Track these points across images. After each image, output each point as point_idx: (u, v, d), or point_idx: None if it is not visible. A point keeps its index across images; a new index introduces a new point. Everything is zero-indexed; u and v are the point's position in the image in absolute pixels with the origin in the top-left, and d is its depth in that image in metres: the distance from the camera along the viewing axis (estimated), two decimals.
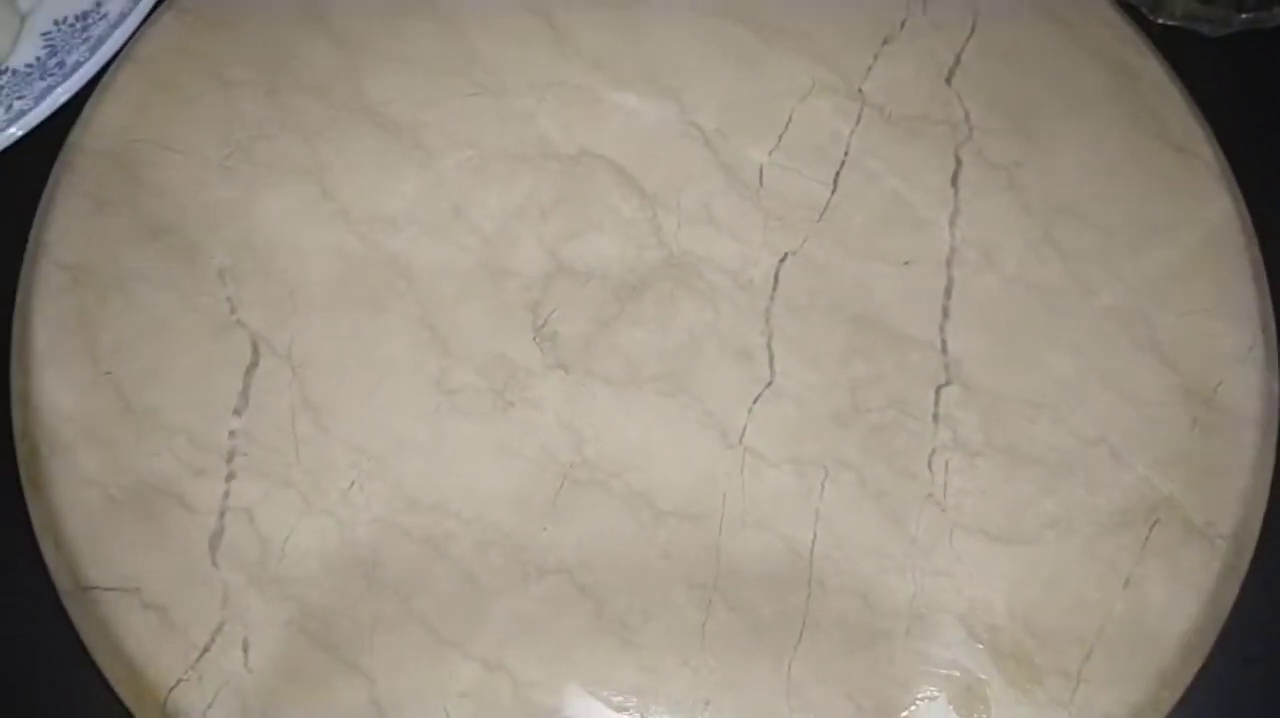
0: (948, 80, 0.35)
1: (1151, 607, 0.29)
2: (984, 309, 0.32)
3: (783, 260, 0.32)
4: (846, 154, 0.34)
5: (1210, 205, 0.34)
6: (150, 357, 0.30)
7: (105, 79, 0.35)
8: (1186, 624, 0.29)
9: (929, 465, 0.30)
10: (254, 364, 0.30)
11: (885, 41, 0.36)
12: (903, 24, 0.36)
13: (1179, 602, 0.29)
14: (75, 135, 0.34)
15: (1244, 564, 0.30)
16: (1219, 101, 0.37)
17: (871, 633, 0.28)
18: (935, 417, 0.30)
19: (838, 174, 0.33)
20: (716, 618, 0.28)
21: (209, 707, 0.26)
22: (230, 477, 0.29)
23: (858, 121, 0.34)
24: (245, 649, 0.27)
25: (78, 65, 0.36)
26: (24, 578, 0.29)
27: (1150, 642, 0.28)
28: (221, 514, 0.28)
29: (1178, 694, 0.28)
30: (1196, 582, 0.29)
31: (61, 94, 0.36)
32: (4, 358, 0.31)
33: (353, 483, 0.29)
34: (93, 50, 0.37)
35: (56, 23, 0.38)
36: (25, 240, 0.33)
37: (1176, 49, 0.38)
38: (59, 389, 0.30)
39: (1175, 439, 0.31)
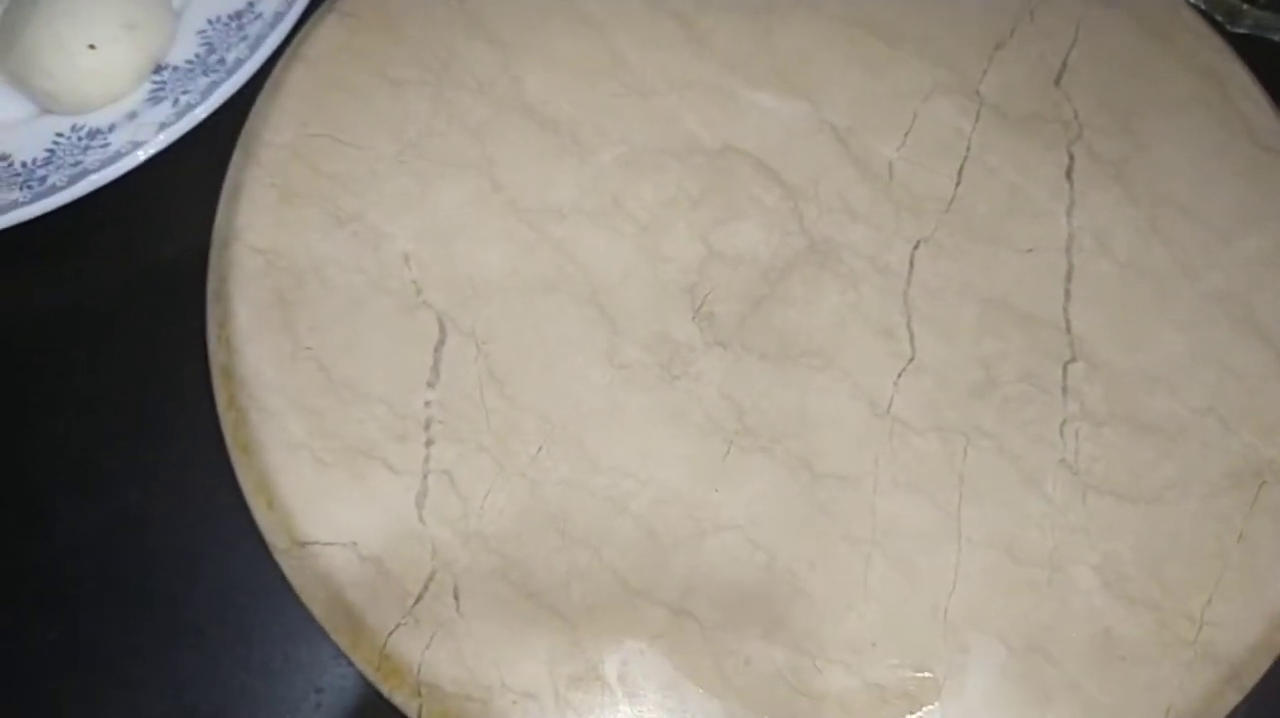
0: (1056, 82, 0.38)
1: (1261, 558, 0.32)
2: (1102, 292, 0.35)
3: (916, 247, 0.35)
4: (968, 150, 0.37)
5: None
6: (346, 334, 0.33)
7: (275, 76, 0.37)
8: None
9: (1060, 433, 0.33)
10: (442, 341, 0.33)
11: (998, 47, 0.39)
12: (1013, 31, 0.39)
13: None
14: (253, 127, 0.36)
15: None
16: None
17: (1016, 582, 0.31)
18: (1064, 389, 0.33)
19: (961, 168, 0.36)
20: (876, 568, 0.31)
21: (426, 648, 0.29)
22: (429, 442, 0.31)
23: (977, 119, 0.37)
24: (456, 597, 0.29)
25: (239, 63, 0.39)
26: (232, 537, 0.32)
27: (1261, 588, 0.31)
28: (424, 476, 0.31)
29: None
30: None
31: (227, 89, 0.38)
32: (198, 335, 0.34)
33: (540, 448, 0.31)
34: (252, 48, 0.39)
35: (210, 21, 0.41)
36: (208, 226, 0.35)
37: (1253, 55, 0.41)
38: (263, 363, 0.32)
39: (1275, 408, 0.34)
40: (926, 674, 0.29)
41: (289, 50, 0.38)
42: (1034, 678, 0.30)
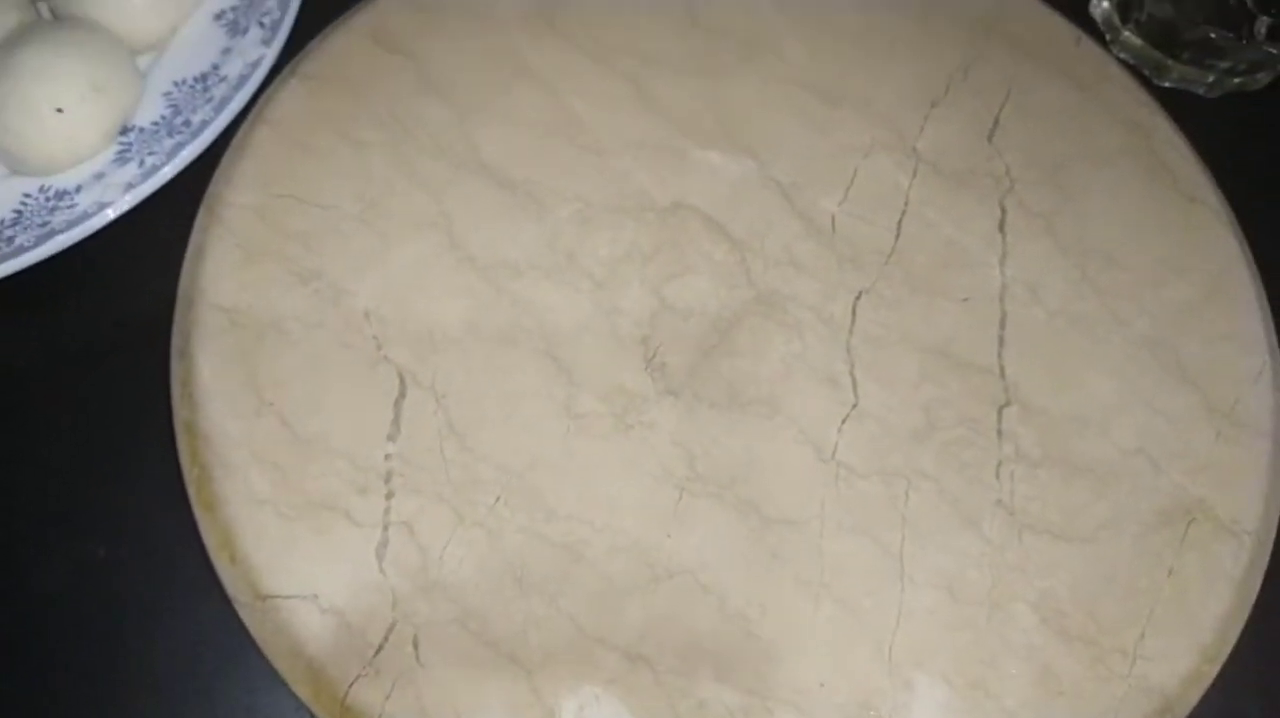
0: (989, 138, 0.40)
1: (1191, 592, 0.33)
2: (1034, 338, 0.37)
3: (858, 298, 0.37)
4: (906, 204, 0.39)
5: (1220, 247, 0.39)
6: (309, 390, 0.33)
7: (239, 139, 0.38)
8: (1221, 607, 0.33)
9: (997, 475, 0.34)
10: (402, 395, 0.34)
11: (933, 104, 0.41)
12: (948, 88, 0.41)
13: (1214, 588, 0.33)
14: (217, 189, 0.37)
15: (1266, 556, 0.34)
16: (1218, 152, 0.42)
17: (958, 620, 0.32)
18: (999, 433, 0.35)
19: (900, 221, 0.38)
20: (824, 610, 0.32)
21: (387, 698, 0.30)
22: (390, 494, 0.32)
23: (914, 175, 0.39)
24: (416, 646, 0.30)
25: (204, 124, 0.40)
26: (192, 591, 0.33)
27: (1191, 622, 0.33)
28: (385, 528, 0.32)
29: (1217, 667, 0.33)
30: (1228, 571, 0.34)
31: (192, 150, 0.39)
32: (161, 392, 0.34)
33: (498, 498, 0.32)
34: (217, 110, 0.40)
35: (176, 83, 0.42)
36: (171, 285, 0.36)
37: (1178, 108, 0.44)
38: (226, 419, 0.33)
39: (1202, 449, 0.35)
40: (872, 713, 0.31)
41: (253, 112, 0.39)
42: (976, 714, 0.31)
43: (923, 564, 0.33)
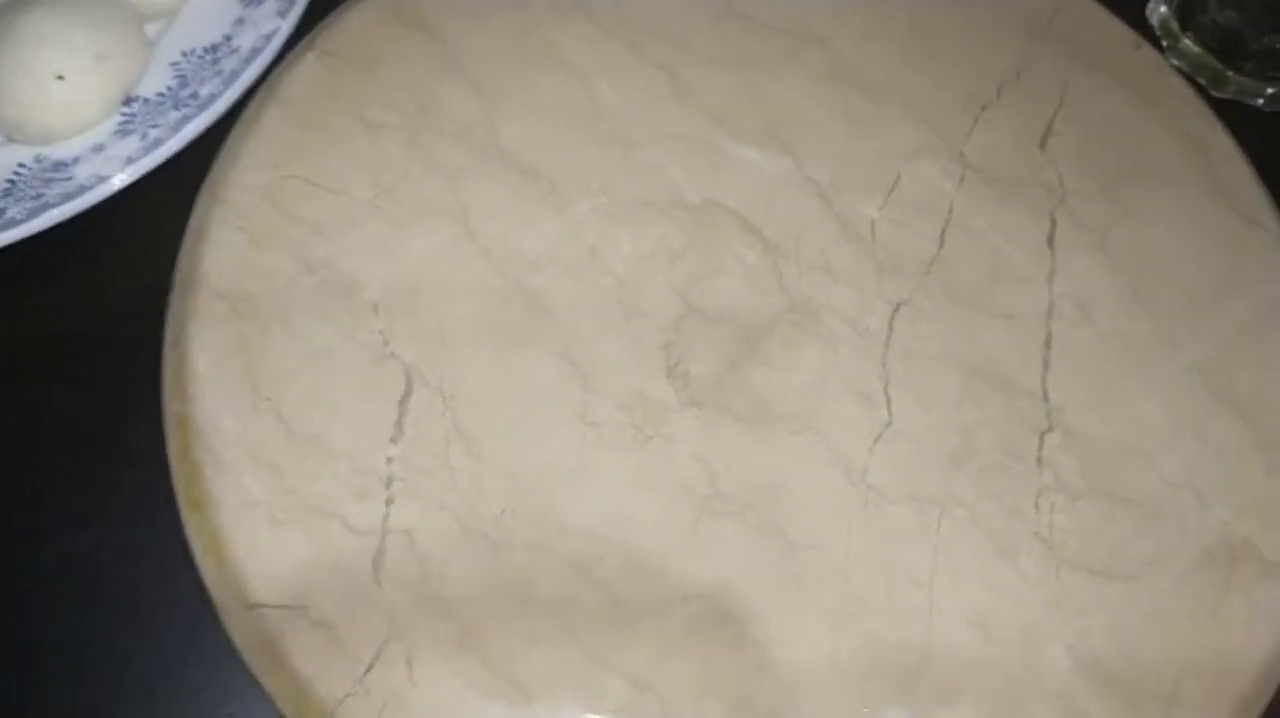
0: (1041, 146, 0.38)
1: (1233, 637, 0.31)
2: (1081, 361, 0.34)
3: (896, 310, 0.35)
4: (951, 212, 0.36)
5: (1278, 271, 0.37)
6: (310, 385, 0.32)
7: (248, 115, 0.36)
8: (1263, 654, 0.31)
9: (1035, 506, 0.32)
10: (408, 394, 0.32)
11: (984, 108, 0.38)
12: (999, 92, 0.39)
13: (1257, 634, 0.31)
14: (222, 169, 0.35)
15: None
16: (1274, 170, 0.40)
17: (988, 659, 0.30)
18: (1039, 460, 0.33)
19: (943, 230, 0.36)
20: (848, 643, 0.30)
21: None
22: (390, 501, 0.30)
23: (961, 182, 0.37)
24: (410, 665, 0.28)
25: (212, 98, 0.38)
26: (178, 596, 0.31)
27: (1231, 669, 0.31)
28: (383, 536, 0.30)
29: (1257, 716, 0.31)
30: (1272, 617, 0.32)
31: (197, 125, 0.37)
32: (152, 383, 0.33)
33: (505, 509, 0.31)
34: (226, 83, 0.38)
35: (185, 53, 0.40)
36: (168, 268, 0.34)
37: (1235, 121, 0.41)
38: (222, 413, 0.31)
39: (1251, 486, 0.33)
40: None
41: (264, 88, 0.37)
42: None
43: (953, 598, 0.31)
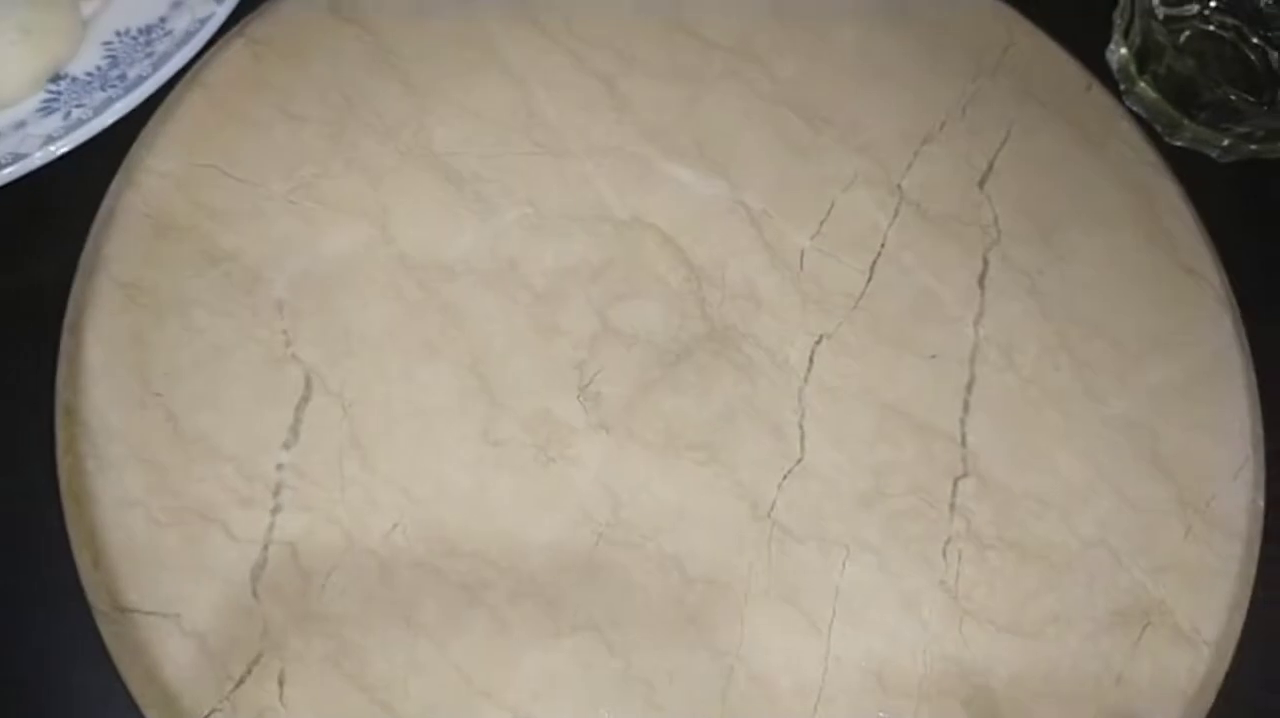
0: (980, 185, 0.37)
1: (1138, 702, 0.31)
2: (1002, 407, 0.34)
3: (818, 342, 0.34)
4: (883, 245, 0.36)
5: (1214, 327, 0.36)
6: (203, 383, 0.30)
7: (170, 100, 0.35)
8: None
9: (943, 553, 0.31)
10: (305, 399, 0.31)
11: (925, 141, 0.38)
12: (942, 126, 0.38)
13: (1164, 703, 0.31)
14: (138, 154, 0.34)
15: (1223, 670, 0.32)
16: (1224, 222, 0.40)
17: (882, 711, 0.29)
18: (951, 507, 0.32)
19: (874, 264, 0.35)
20: (738, 686, 0.29)
21: None
22: (276, 509, 0.29)
23: (895, 215, 0.36)
24: (281, 683, 0.27)
25: (140, 80, 0.37)
26: (54, 592, 0.30)
27: None
28: (265, 546, 0.29)
29: None
30: (1181, 684, 0.31)
31: (121, 107, 0.36)
32: (48, 366, 0.31)
33: (395, 525, 0.30)
34: (155, 66, 0.37)
35: (119, 33, 0.38)
36: (78, 251, 0.33)
37: (1187, 170, 0.41)
38: (109, 407, 0.30)
39: (1169, 546, 0.33)
40: None
41: (188, 74, 0.36)
42: None
43: (852, 645, 0.30)
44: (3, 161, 0.35)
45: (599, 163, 0.36)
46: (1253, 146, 0.42)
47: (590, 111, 0.36)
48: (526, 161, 0.35)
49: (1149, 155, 0.40)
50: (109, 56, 0.38)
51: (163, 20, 0.38)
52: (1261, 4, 0.44)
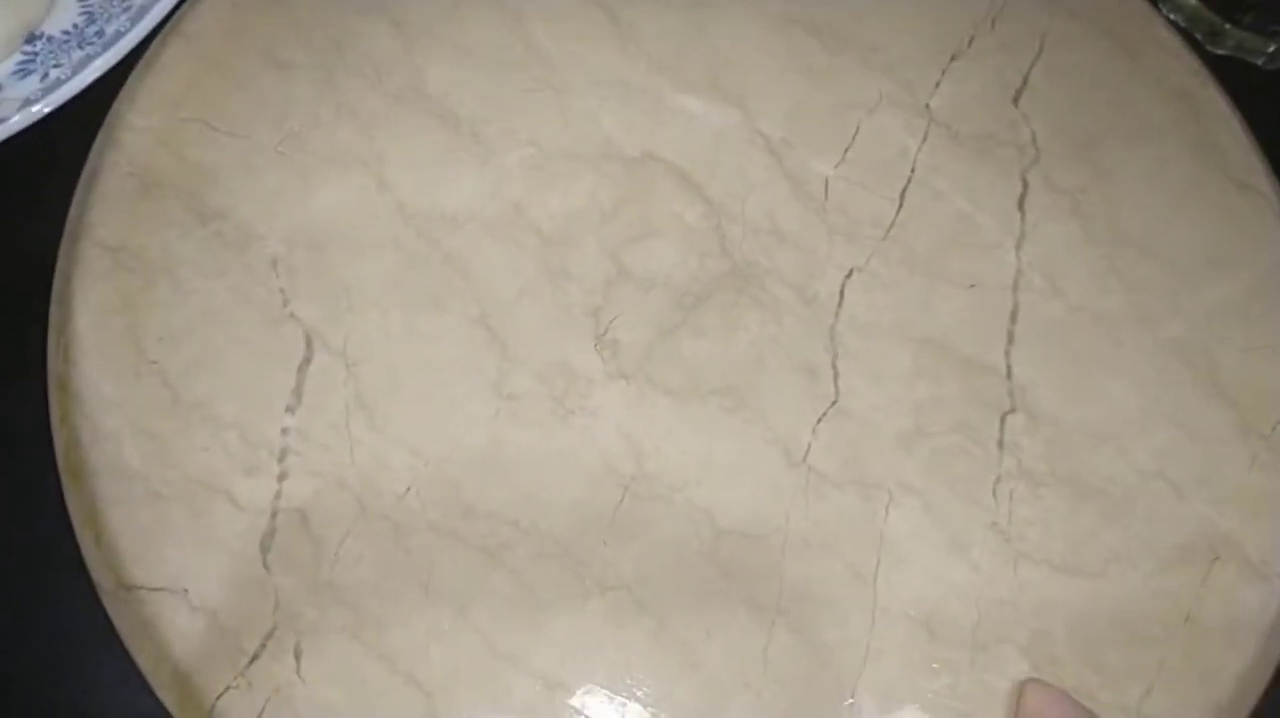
0: (1015, 101, 0.35)
1: (1209, 644, 0.29)
2: (1049, 337, 0.31)
3: (848, 276, 0.32)
4: (913, 171, 0.33)
5: (1271, 242, 0.34)
6: (199, 348, 0.29)
7: (150, 53, 0.33)
8: (1242, 664, 0.28)
9: (993, 493, 0.29)
10: (307, 360, 0.29)
11: (953, 58, 0.35)
12: (970, 41, 0.35)
13: (1236, 641, 0.29)
14: (119, 111, 0.32)
15: None
16: (1274, 134, 0.37)
17: (935, 661, 0.27)
18: (1000, 444, 0.30)
19: (904, 191, 0.33)
20: (779, 642, 0.27)
21: (260, 715, 0.25)
22: (283, 476, 0.28)
23: (925, 138, 0.34)
24: (297, 657, 0.26)
25: (118, 35, 0.35)
26: (59, 571, 0.28)
27: (1207, 679, 0.28)
28: (273, 515, 0.27)
29: None
30: (1255, 621, 0.29)
31: (100, 65, 0.34)
32: (40, 340, 0.30)
33: (409, 488, 0.28)
34: (134, 20, 0.35)
35: None
36: (64, 217, 0.32)
37: (1230, 81, 0.38)
38: (102, 378, 0.28)
39: (1233, 476, 0.30)
40: None
41: (168, 25, 0.34)
42: None
43: (899, 593, 0.28)
44: None
45: (604, 97, 0.33)
46: None
47: (591, 43, 0.34)
48: (526, 100, 0.33)
49: (1192, 64, 0.37)
50: (85, 13, 0.36)
51: None
52: None
